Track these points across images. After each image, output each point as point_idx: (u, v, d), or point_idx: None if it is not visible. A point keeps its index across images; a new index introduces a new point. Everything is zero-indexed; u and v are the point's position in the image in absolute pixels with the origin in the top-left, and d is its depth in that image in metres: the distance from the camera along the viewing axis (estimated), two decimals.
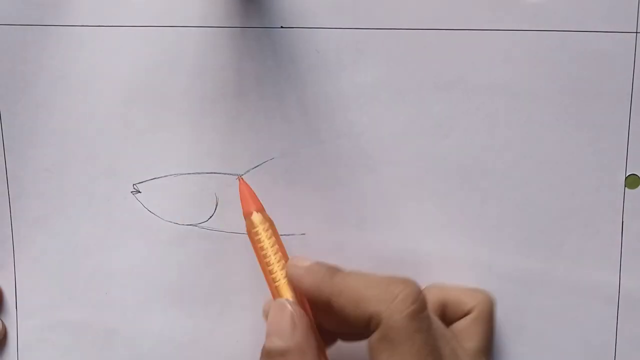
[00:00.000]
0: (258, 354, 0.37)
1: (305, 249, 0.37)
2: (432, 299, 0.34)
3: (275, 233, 0.34)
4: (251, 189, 0.35)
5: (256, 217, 0.34)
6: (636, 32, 0.36)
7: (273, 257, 0.33)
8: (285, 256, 0.34)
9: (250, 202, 0.34)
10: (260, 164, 0.37)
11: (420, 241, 0.37)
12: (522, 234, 0.37)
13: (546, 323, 0.37)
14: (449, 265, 0.37)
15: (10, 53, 0.36)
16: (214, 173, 0.37)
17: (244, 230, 0.37)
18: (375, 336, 0.28)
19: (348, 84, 0.36)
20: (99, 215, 0.37)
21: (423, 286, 0.35)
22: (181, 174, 0.37)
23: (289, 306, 0.31)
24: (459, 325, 0.34)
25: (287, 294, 0.32)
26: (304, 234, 0.37)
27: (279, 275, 0.33)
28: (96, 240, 0.37)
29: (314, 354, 0.30)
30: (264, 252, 0.33)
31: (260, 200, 0.35)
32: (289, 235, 0.37)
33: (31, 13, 0.36)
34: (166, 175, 0.37)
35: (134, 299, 0.38)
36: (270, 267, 0.33)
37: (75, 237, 0.37)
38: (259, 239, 0.34)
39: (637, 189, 0.36)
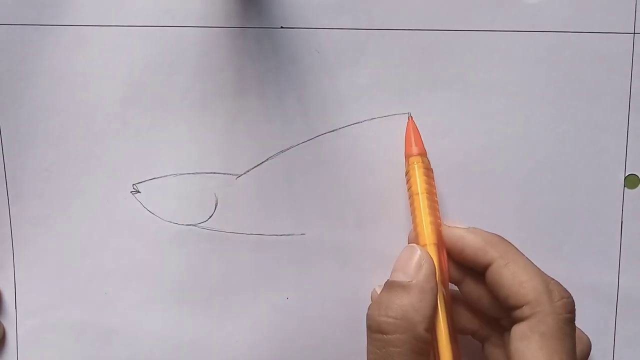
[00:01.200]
0: (258, 354, 0.38)
1: (305, 249, 0.37)
2: None
3: (431, 180, 0.34)
4: (419, 132, 0.35)
5: (415, 160, 0.34)
6: (634, 33, 0.36)
7: (425, 202, 0.33)
8: (436, 205, 0.34)
9: (414, 145, 0.35)
10: (260, 164, 0.37)
11: None
12: (522, 234, 0.37)
13: None
14: None
15: (10, 53, 0.36)
16: (214, 173, 0.37)
17: (244, 230, 0.37)
18: (526, 324, 0.29)
19: (348, 84, 0.36)
20: (98, 215, 0.37)
21: None
22: (181, 174, 0.37)
23: (418, 250, 0.32)
24: None
25: (427, 239, 0.33)
26: (303, 234, 0.37)
27: (425, 220, 0.33)
28: (96, 240, 0.37)
29: (432, 295, 0.30)
30: (414, 195, 0.34)
31: (261, 200, 0.35)
32: (289, 235, 0.37)
33: (31, 13, 0.36)
34: (166, 175, 0.37)
35: (133, 299, 0.38)
36: (416, 211, 0.34)
37: (75, 237, 0.37)
38: (413, 181, 0.34)
39: (636, 189, 0.37)
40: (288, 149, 0.37)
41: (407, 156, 0.35)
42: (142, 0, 0.36)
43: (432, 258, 0.32)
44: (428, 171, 0.35)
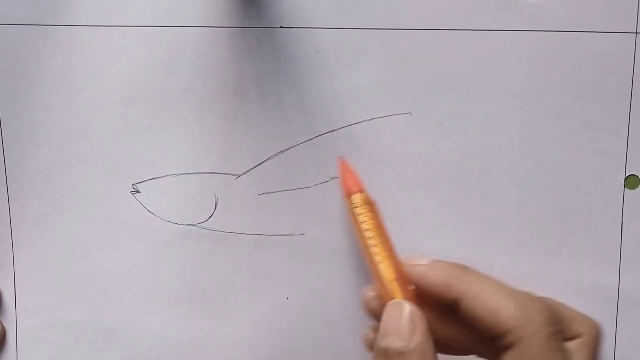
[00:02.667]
0: (258, 354, 0.38)
1: (305, 249, 0.37)
2: None
3: (378, 216, 0.33)
4: (353, 169, 0.35)
5: (359, 198, 0.34)
6: (636, 33, 0.36)
7: (377, 239, 0.32)
8: (388, 240, 0.33)
9: (352, 183, 0.34)
10: (260, 164, 0.37)
11: (420, 241, 0.37)
12: (522, 234, 0.37)
13: None
14: None
15: (10, 53, 0.36)
16: (214, 173, 0.37)
17: (244, 230, 0.37)
18: (514, 354, 0.28)
19: (347, 84, 0.36)
20: (98, 215, 0.37)
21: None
22: (181, 174, 0.37)
23: (407, 306, 0.29)
24: (567, 346, 0.32)
25: (389, 275, 0.31)
26: (303, 234, 0.37)
27: (383, 257, 0.32)
28: (96, 240, 0.37)
29: (434, 357, 0.28)
30: (366, 233, 0.32)
31: (261, 200, 0.35)
32: (289, 235, 0.37)
33: (31, 13, 0.36)
34: (166, 175, 0.37)
35: (133, 299, 0.38)
36: (373, 249, 0.32)
37: (75, 237, 0.37)
38: (361, 219, 0.33)
39: (637, 189, 0.36)
40: (288, 149, 0.37)
41: (348, 195, 0.34)
42: (142, 1, 0.36)
43: (422, 313, 0.30)
44: (374, 206, 0.34)
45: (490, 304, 0.28)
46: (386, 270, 0.31)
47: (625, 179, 0.36)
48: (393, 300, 0.30)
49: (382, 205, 0.37)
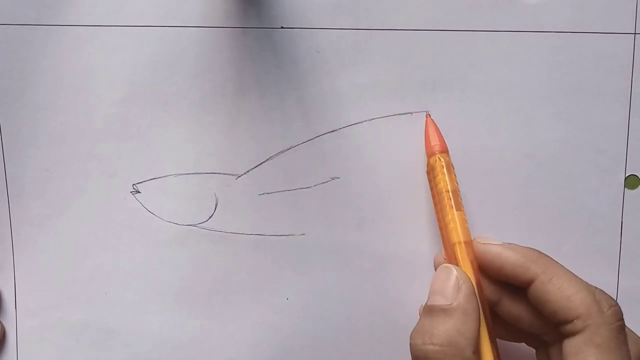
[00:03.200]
0: (258, 354, 0.38)
1: (305, 249, 0.37)
2: None
3: (456, 180, 0.34)
4: (438, 128, 0.35)
5: (442, 158, 0.34)
6: (634, 33, 0.36)
7: (450, 202, 0.33)
8: (461, 207, 0.33)
9: (436, 142, 0.35)
10: (260, 164, 0.37)
11: (420, 241, 0.37)
12: (522, 234, 0.37)
13: None
14: None
15: (10, 53, 0.36)
16: (214, 173, 0.37)
17: (244, 230, 0.37)
18: (579, 338, 0.29)
19: (348, 84, 0.36)
20: (98, 215, 0.37)
21: None
22: (181, 174, 0.37)
23: (454, 270, 0.31)
24: None
25: (456, 237, 0.32)
26: (303, 234, 0.37)
27: (451, 220, 0.33)
28: (96, 240, 0.37)
29: (475, 316, 0.30)
30: (439, 196, 0.33)
31: (261, 200, 0.35)
32: (289, 235, 0.37)
33: (30, 13, 0.36)
34: (166, 175, 0.37)
35: (133, 299, 0.38)
36: (443, 212, 0.33)
37: (75, 237, 0.37)
38: (437, 181, 0.34)
39: (636, 189, 0.37)
40: (288, 149, 0.37)
41: (429, 155, 0.35)
42: (142, 1, 0.36)
43: (469, 277, 0.31)
44: (453, 170, 0.34)
45: (565, 289, 0.29)
46: (453, 233, 0.33)
47: (625, 179, 0.37)
48: (443, 264, 0.32)
49: (382, 204, 0.37)
